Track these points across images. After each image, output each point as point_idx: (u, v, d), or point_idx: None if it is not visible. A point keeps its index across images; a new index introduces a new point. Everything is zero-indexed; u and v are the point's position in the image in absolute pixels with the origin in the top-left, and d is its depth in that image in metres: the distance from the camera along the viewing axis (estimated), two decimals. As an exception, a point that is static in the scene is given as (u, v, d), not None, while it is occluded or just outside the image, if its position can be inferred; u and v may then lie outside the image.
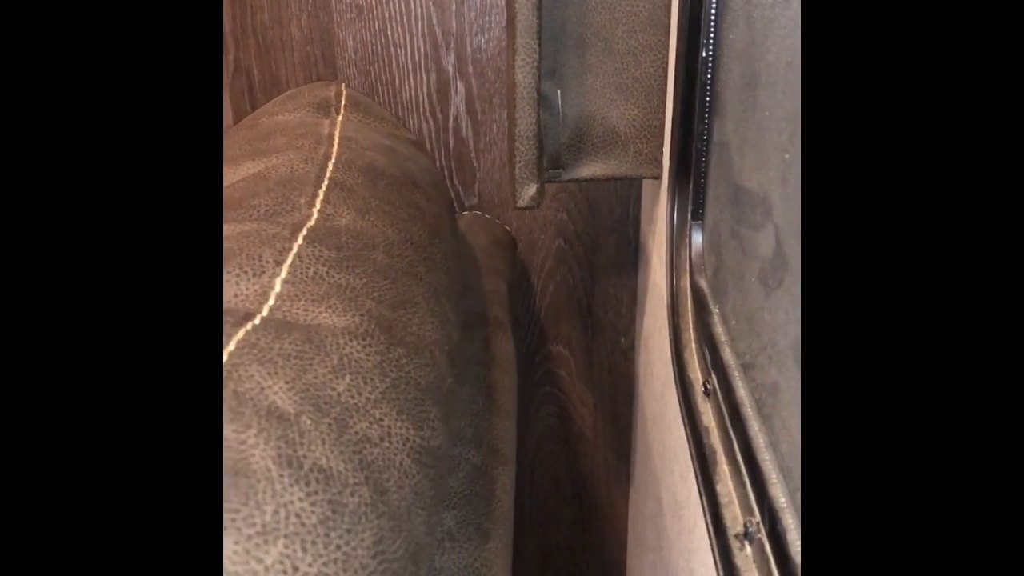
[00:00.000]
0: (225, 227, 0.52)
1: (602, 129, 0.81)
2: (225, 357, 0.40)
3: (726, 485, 0.54)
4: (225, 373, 0.39)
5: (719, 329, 0.61)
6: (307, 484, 0.37)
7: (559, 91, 0.80)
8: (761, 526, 0.47)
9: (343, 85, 0.82)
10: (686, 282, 0.70)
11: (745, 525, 0.49)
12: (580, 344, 1.15)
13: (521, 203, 0.79)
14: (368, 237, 0.55)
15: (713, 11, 0.64)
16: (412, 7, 0.99)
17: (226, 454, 0.36)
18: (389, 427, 0.44)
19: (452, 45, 1.01)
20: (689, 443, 0.61)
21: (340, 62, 1.02)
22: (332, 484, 0.38)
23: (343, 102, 0.75)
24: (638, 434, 1.09)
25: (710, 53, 0.65)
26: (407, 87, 1.03)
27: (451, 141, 1.05)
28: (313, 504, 0.37)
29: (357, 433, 0.41)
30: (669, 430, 0.77)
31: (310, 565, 0.35)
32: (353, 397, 0.43)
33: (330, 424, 0.40)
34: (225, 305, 0.45)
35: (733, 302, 0.60)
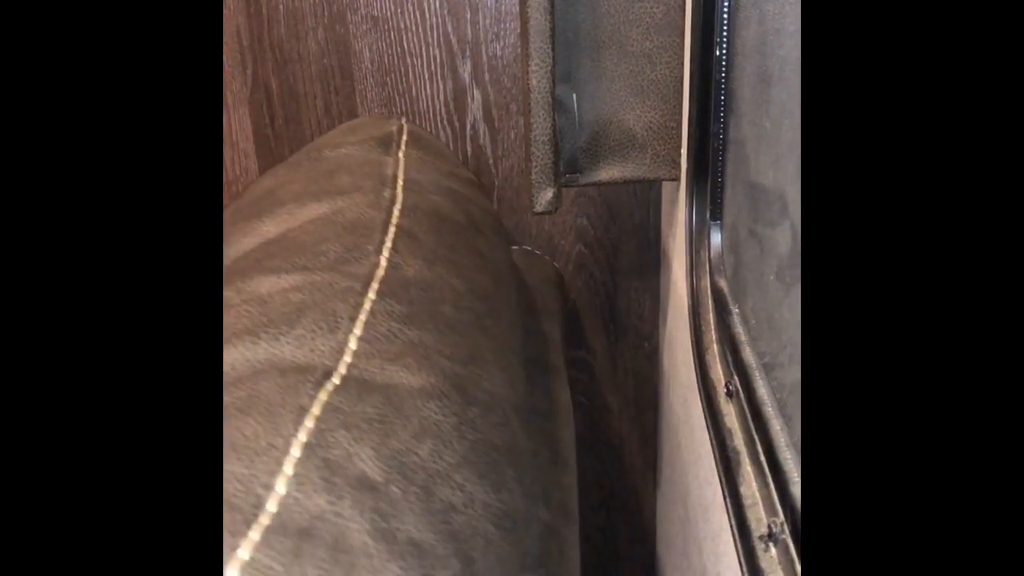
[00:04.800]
0: (296, 275, 0.52)
1: (619, 132, 0.81)
2: (311, 422, 0.40)
3: (750, 486, 0.53)
4: (313, 439, 0.38)
5: (739, 329, 0.61)
6: (402, 559, 0.36)
7: (574, 95, 0.80)
8: (785, 526, 0.46)
9: (403, 120, 0.83)
10: (706, 283, 0.70)
11: (769, 526, 0.48)
12: (603, 349, 1.14)
13: (538, 208, 0.79)
14: (436, 290, 0.55)
15: (726, 10, 0.64)
16: (427, 16, 1.00)
17: (323, 527, 0.35)
18: (471, 493, 0.43)
19: (468, 53, 1.01)
20: (713, 445, 0.61)
21: (357, 73, 1.03)
22: (425, 558, 0.37)
23: (404, 138, 0.76)
24: (664, 439, 1.08)
25: (724, 52, 0.65)
26: (424, 96, 1.03)
27: (469, 149, 1.05)
28: None
29: (443, 501, 0.40)
30: (693, 433, 0.76)
31: None
32: (435, 462, 0.42)
33: (417, 493, 0.39)
34: (302, 361, 0.45)
35: (753, 301, 0.60)
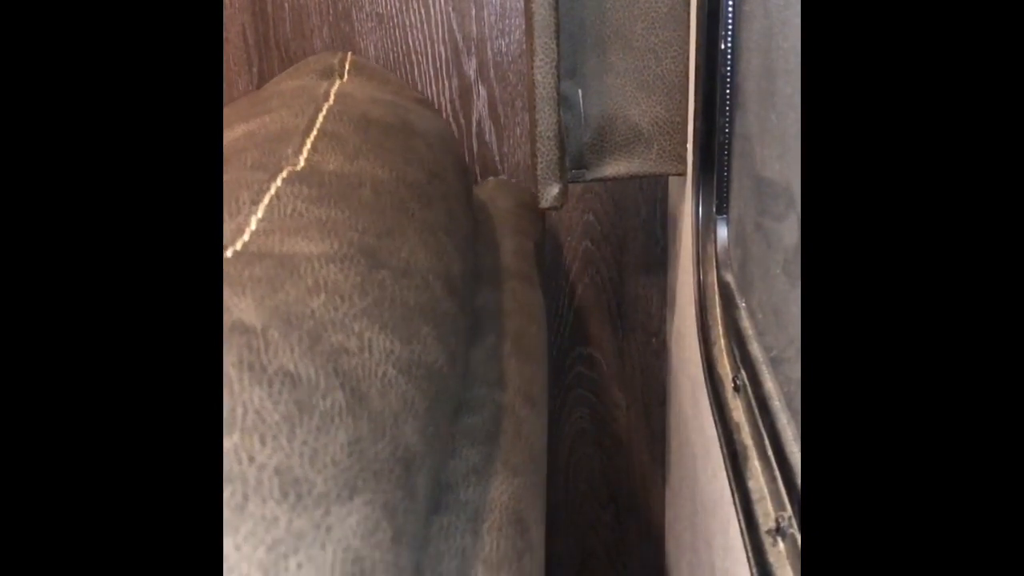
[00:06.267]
0: None
1: (624, 127, 0.81)
2: None
3: (758, 481, 0.53)
4: None
5: (746, 323, 0.61)
6: (270, 385, 0.37)
7: (580, 91, 0.80)
8: (793, 520, 0.46)
9: (350, 53, 0.82)
10: (713, 277, 0.70)
11: (777, 520, 0.48)
12: (611, 346, 1.14)
13: (544, 204, 0.79)
14: (355, 176, 0.54)
15: (731, 3, 0.63)
16: (432, 13, 1.00)
17: None
18: (370, 339, 0.43)
19: (473, 50, 1.01)
20: (720, 440, 0.61)
21: (362, 71, 1.03)
22: (300, 387, 0.38)
23: (347, 67, 0.75)
24: (672, 434, 1.08)
25: (729, 45, 0.65)
26: (430, 93, 1.03)
27: (475, 146, 1.05)
28: (276, 403, 0.36)
29: (332, 344, 0.41)
30: (701, 429, 0.76)
31: (269, 456, 0.35)
32: (328, 313, 0.42)
33: (300, 336, 0.40)
34: None
35: (759, 295, 0.59)
